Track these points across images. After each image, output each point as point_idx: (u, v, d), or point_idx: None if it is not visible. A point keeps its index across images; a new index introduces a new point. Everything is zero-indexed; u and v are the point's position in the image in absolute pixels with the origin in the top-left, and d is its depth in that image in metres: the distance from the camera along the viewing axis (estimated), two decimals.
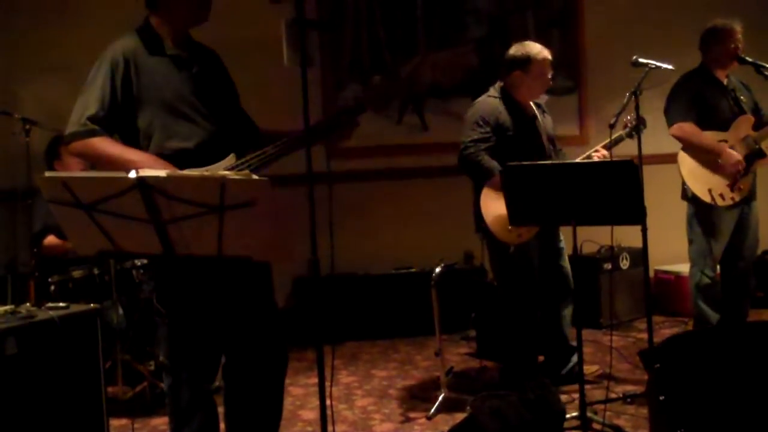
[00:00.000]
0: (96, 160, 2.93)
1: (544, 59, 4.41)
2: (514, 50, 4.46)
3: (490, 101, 4.45)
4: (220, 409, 3.14)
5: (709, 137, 4.70)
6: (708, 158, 4.70)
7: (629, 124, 4.37)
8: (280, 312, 3.23)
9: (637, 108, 4.02)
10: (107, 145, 2.87)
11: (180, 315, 2.96)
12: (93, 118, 2.86)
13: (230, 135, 3.05)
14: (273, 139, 3.01)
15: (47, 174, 2.41)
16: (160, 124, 2.92)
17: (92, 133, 2.85)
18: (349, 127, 3.07)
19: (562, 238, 4.58)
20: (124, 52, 2.92)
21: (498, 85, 4.52)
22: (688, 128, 4.71)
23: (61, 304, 3.73)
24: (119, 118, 2.90)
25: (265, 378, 3.12)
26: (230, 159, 2.95)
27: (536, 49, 4.43)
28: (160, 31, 3.01)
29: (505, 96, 4.46)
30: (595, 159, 4.34)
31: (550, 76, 4.45)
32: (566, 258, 4.57)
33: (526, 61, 4.39)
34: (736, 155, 4.64)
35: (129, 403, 4.46)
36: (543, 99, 4.72)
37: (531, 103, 4.53)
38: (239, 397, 3.13)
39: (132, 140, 2.93)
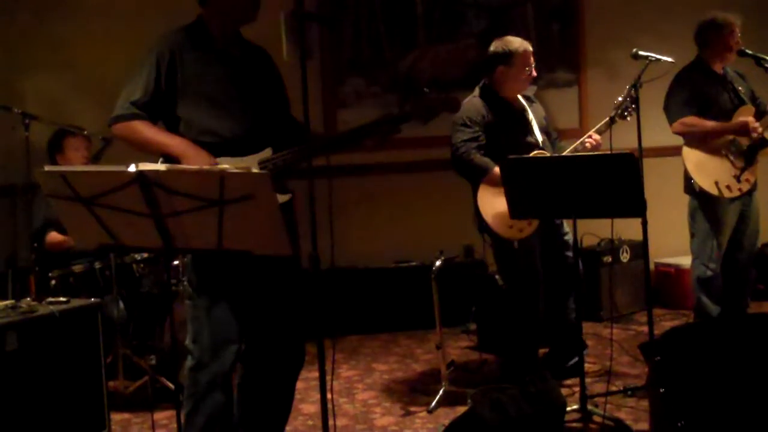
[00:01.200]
0: (135, 142, 3.06)
1: (525, 51, 4.41)
2: (495, 46, 4.46)
3: (474, 101, 4.45)
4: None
5: (712, 122, 4.70)
6: (713, 148, 4.70)
7: (621, 107, 4.31)
8: (303, 306, 3.28)
9: (637, 101, 4.02)
10: (146, 129, 3.03)
11: (213, 298, 3.05)
12: (136, 103, 3.02)
13: (270, 130, 3.17)
14: (315, 140, 3.14)
15: (46, 168, 2.42)
16: (199, 114, 3.05)
17: (134, 117, 3.02)
18: (390, 134, 3.19)
19: (567, 230, 4.56)
20: (170, 45, 3.06)
21: (478, 85, 4.52)
22: (689, 120, 4.71)
23: (61, 299, 3.74)
24: (162, 106, 3.05)
25: (282, 370, 3.22)
26: (266, 152, 3.08)
27: (516, 42, 4.43)
28: (209, 27, 3.13)
29: (490, 94, 4.45)
30: (588, 145, 4.32)
31: (533, 68, 4.45)
32: (572, 250, 4.56)
33: (508, 55, 4.38)
34: (744, 121, 4.64)
35: (130, 397, 4.47)
36: (531, 90, 4.70)
37: (519, 96, 4.52)
38: (255, 386, 3.21)
39: (173, 128, 3.07)
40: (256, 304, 3.13)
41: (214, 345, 3.05)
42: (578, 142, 4.40)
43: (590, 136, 4.35)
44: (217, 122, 3.05)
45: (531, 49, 4.44)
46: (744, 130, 4.64)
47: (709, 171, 4.71)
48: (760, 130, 4.64)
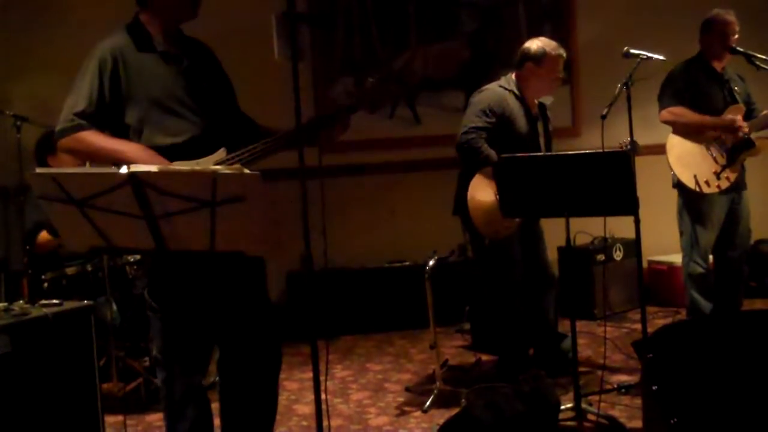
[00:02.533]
0: (86, 154, 2.96)
1: (559, 56, 4.43)
2: (530, 43, 4.48)
3: (500, 92, 4.44)
4: (215, 405, 3.14)
5: (698, 115, 4.73)
6: (699, 140, 4.72)
7: (624, 147, 4.34)
8: (273, 307, 3.24)
9: (628, 99, 4.03)
10: (96, 138, 2.88)
11: (172, 309, 2.95)
12: (81, 113, 2.87)
13: (222, 130, 3.04)
14: (270, 136, 3.02)
15: (38, 170, 2.40)
16: (148, 120, 2.92)
17: (80, 128, 2.87)
18: (340, 127, 3.08)
19: (542, 230, 4.59)
20: (112, 50, 2.93)
21: (512, 76, 4.51)
22: (677, 110, 4.75)
23: (54, 301, 3.72)
24: (108, 115, 2.91)
25: (260, 373, 3.12)
26: (220, 153, 2.95)
27: (552, 45, 4.45)
28: (149, 28, 3.00)
29: (515, 89, 4.46)
30: None
31: (561, 75, 4.47)
32: (545, 247, 4.58)
33: (541, 54, 4.40)
34: (732, 118, 4.66)
35: (124, 399, 4.45)
36: (548, 100, 4.71)
37: (535, 102, 4.53)
38: (234, 393, 3.13)
39: (122, 136, 2.93)
40: (223, 309, 3.03)
41: (183, 356, 2.97)
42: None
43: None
44: (167, 127, 2.93)
45: (564, 56, 4.47)
46: (731, 127, 4.67)
47: (690, 164, 4.73)
48: (746, 129, 4.67)
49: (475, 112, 4.36)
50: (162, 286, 2.98)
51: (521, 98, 4.45)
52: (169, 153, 2.88)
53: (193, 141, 2.95)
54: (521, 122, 4.41)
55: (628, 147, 4.22)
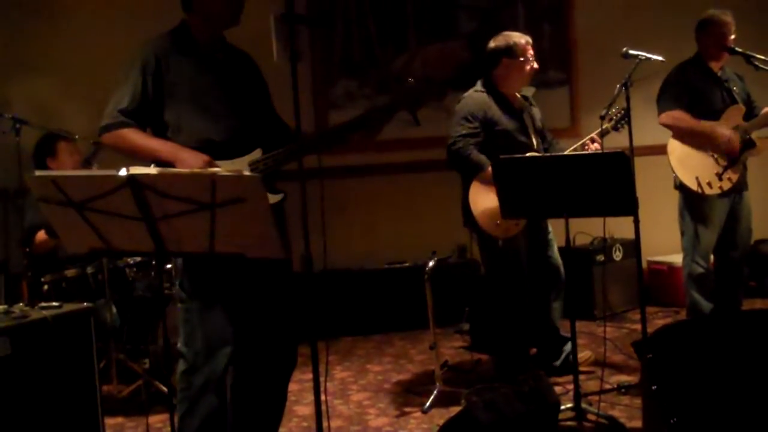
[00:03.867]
0: (124, 150, 3.07)
1: (527, 42, 4.47)
2: (495, 41, 4.50)
3: (477, 96, 4.46)
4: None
5: (699, 121, 4.72)
6: (698, 144, 4.72)
7: (614, 117, 4.37)
8: (295, 308, 3.28)
9: (627, 100, 4.03)
10: (137, 136, 3.03)
11: (204, 301, 3.05)
12: (124, 111, 3.02)
13: (258, 131, 3.18)
14: (303, 138, 3.12)
15: (37, 173, 2.41)
16: (187, 118, 3.06)
17: (123, 125, 3.02)
18: (378, 128, 3.20)
19: (551, 229, 4.59)
20: (156, 51, 3.07)
21: (481, 80, 4.53)
22: (677, 115, 4.74)
23: (54, 304, 3.72)
24: (150, 113, 3.06)
25: (274, 373, 3.22)
26: (256, 153, 3.09)
27: (516, 35, 4.49)
28: (193, 32, 3.15)
29: (492, 90, 4.47)
30: (589, 150, 4.35)
31: (535, 61, 4.47)
32: (556, 249, 4.58)
33: (511, 47, 4.42)
34: (727, 130, 4.66)
35: (124, 401, 4.46)
36: (530, 91, 4.73)
37: (518, 96, 4.54)
38: (246, 388, 3.20)
39: (161, 133, 3.08)
40: (247, 307, 3.13)
41: (207, 348, 3.06)
42: (578, 144, 4.43)
43: (594, 141, 4.37)
44: (205, 126, 3.06)
45: (531, 40, 4.50)
46: (726, 146, 4.65)
47: (692, 166, 4.73)
48: (736, 154, 4.65)
49: (458, 121, 4.38)
50: (196, 279, 3.08)
51: (500, 96, 4.45)
52: (206, 151, 3.00)
53: (230, 140, 3.08)
54: (505, 120, 4.41)
55: (618, 115, 4.23)
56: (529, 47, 4.46)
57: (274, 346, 3.19)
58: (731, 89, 4.83)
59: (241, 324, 3.12)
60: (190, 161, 2.93)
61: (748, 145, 4.71)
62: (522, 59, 4.42)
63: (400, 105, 3.17)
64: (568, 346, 4.48)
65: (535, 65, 4.48)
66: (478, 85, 4.52)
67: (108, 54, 5.24)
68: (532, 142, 4.47)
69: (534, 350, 4.69)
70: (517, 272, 4.41)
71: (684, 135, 4.76)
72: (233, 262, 2.78)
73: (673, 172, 4.78)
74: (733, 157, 4.67)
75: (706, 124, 4.71)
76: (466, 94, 4.51)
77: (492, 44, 4.50)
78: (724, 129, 4.68)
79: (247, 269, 2.95)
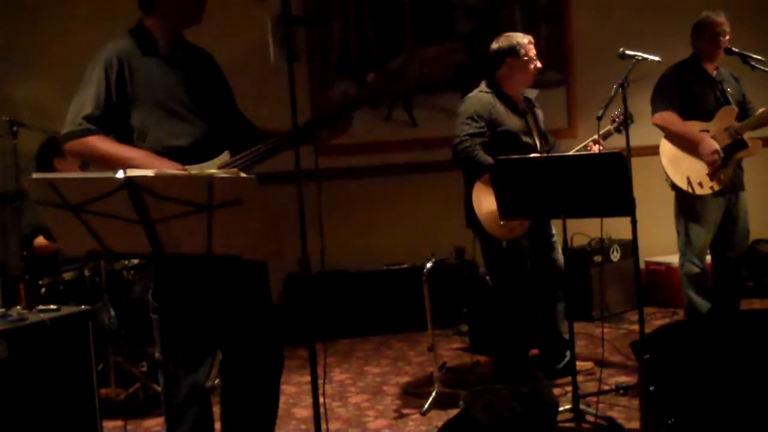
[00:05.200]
0: (93, 159, 2.97)
1: (529, 41, 4.48)
2: (498, 42, 4.50)
3: (482, 96, 4.45)
4: (215, 409, 3.14)
5: (690, 126, 4.74)
6: (688, 147, 4.74)
7: (617, 119, 4.39)
8: (275, 310, 3.24)
9: (624, 100, 4.03)
10: (104, 143, 2.89)
11: (176, 311, 2.95)
12: (88, 117, 2.89)
13: (224, 133, 3.08)
14: (269, 137, 3.03)
15: (34, 175, 2.41)
16: (153, 123, 2.94)
17: (88, 132, 2.88)
18: (343, 125, 3.09)
19: (554, 231, 4.59)
20: (118, 53, 2.95)
21: (485, 81, 4.52)
22: (669, 117, 4.75)
23: (52, 307, 3.72)
24: (114, 118, 2.93)
25: (262, 377, 3.14)
26: (224, 156, 2.98)
27: (518, 35, 4.51)
28: (153, 33, 3.04)
29: (497, 91, 4.47)
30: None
31: (538, 60, 4.49)
32: (559, 251, 4.57)
33: (514, 47, 4.43)
34: (713, 145, 4.67)
35: (122, 404, 4.45)
36: (533, 93, 4.74)
37: (521, 97, 4.54)
38: (236, 396, 3.14)
39: (127, 139, 2.95)
40: (227, 312, 3.05)
41: (187, 358, 2.98)
42: (581, 146, 4.44)
43: (597, 143, 4.37)
44: (172, 130, 2.95)
45: (533, 40, 4.52)
46: (710, 157, 4.65)
47: (683, 166, 4.74)
48: (714, 169, 4.66)
49: (464, 120, 4.38)
50: (166, 288, 2.97)
51: (505, 96, 4.46)
52: (173, 156, 2.90)
53: (197, 144, 2.97)
54: (510, 120, 4.41)
55: (621, 118, 4.24)
56: (532, 46, 4.47)
57: (259, 350, 3.10)
58: (725, 90, 4.84)
59: (222, 330, 3.06)
60: (163, 170, 2.79)
61: (740, 145, 4.72)
62: (525, 58, 4.43)
63: (362, 102, 3.13)
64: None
65: (539, 64, 4.49)
66: (483, 86, 4.51)
67: None
68: (536, 143, 4.48)
69: (535, 351, 4.69)
70: (519, 274, 4.40)
71: (674, 137, 4.78)
72: (205, 267, 2.75)
73: (665, 172, 4.79)
74: (725, 156, 4.67)
75: (695, 133, 4.72)
76: (471, 94, 4.51)
77: (495, 45, 4.50)
78: (712, 144, 4.67)
79: (221, 273, 2.90)
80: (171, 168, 2.82)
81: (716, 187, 4.70)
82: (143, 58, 2.98)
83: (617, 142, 4.25)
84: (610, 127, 4.44)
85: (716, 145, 4.66)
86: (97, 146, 2.89)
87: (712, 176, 4.68)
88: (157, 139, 2.93)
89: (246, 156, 2.97)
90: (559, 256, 4.56)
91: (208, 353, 3.08)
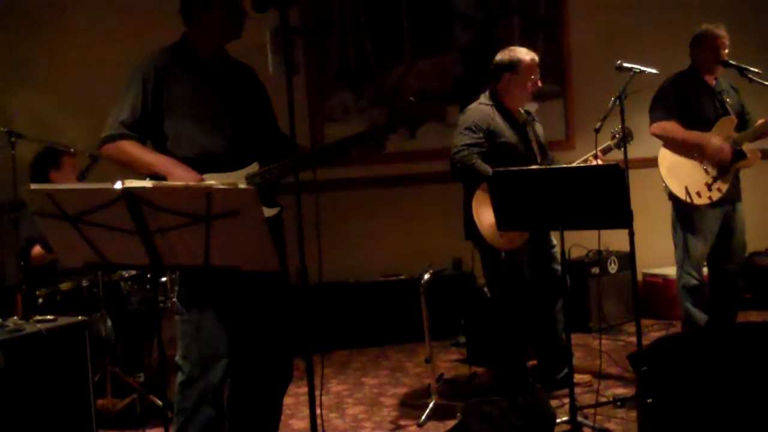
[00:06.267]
0: (123, 162, 3.10)
1: (532, 60, 4.45)
2: (502, 55, 4.49)
3: (482, 108, 4.46)
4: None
5: (691, 131, 4.75)
6: (689, 154, 4.74)
7: (617, 135, 4.39)
8: (291, 323, 3.28)
9: (622, 112, 4.05)
10: (133, 148, 3.07)
11: (201, 313, 3.07)
12: (125, 122, 3.06)
13: (256, 145, 3.20)
14: (302, 152, 3.20)
15: (32, 186, 2.41)
16: (186, 131, 3.09)
17: (122, 137, 3.06)
18: (378, 145, 3.22)
19: (555, 242, 4.58)
20: (156, 64, 3.11)
21: (487, 92, 4.53)
22: (669, 125, 4.76)
23: (48, 317, 3.72)
24: (150, 125, 3.09)
25: (270, 387, 3.24)
26: (253, 167, 3.12)
27: (523, 51, 4.48)
28: (194, 44, 3.17)
29: (497, 103, 4.47)
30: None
31: (538, 79, 4.48)
32: (559, 261, 4.56)
33: (515, 63, 4.42)
34: (718, 141, 4.67)
35: (119, 415, 4.44)
36: (533, 107, 4.74)
37: (521, 111, 4.55)
38: (243, 401, 3.21)
39: (161, 145, 3.11)
40: (244, 320, 3.14)
41: (203, 360, 3.07)
42: (580, 160, 4.44)
43: (597, 157, 4.37)
44: (203, 138, 3.09)
45: (537, 59, 4.49)
46: (717, 154, 4.67)
47: (681, 176, 4.74)
48: (726, 163, 4.67)
49: (462, 131, 4.38)
50: (193, 292, 3.10)
51: (504, 109, 4.46)
52: (203, 164, 3.04)
53: (228, 153, 3.11)
54: (509, 133, 4.41)
55: (621, 134, 4.25)
56: (534, 65, 4.44)
57: (270, 360, 3.20)
58: (724, 101, 4.85)
59: (237, 336, 3.13)
60: (182, 178, 2.95)
61: (738, 156, 4.73)
62: (523, 77, 4.42)
63: (400, 124, 3.20)
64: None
65: (539, 83, 4.49)
66: (484, 98, 4.51)
67: (104, 68, 5.27)
68: (535, 156, 4.47)
69: (533, 362, 4.68)
70: (518, 285, 4.40)
71: (675, 145, 4.79)
72: (229, 274, 2.79)
73: (663, 182, 4.80)
74: (724, 167, 4.68)
75: (697, 134, 4.73)
76: (471, 106, 4.51)
77: (498, 57, 4.50)
78: (717, 139, 4.69)
79: (243, 281, 2.95)
80: (189, 176, 2.96)
81: (714, 197, 4.71)
82: (180, 69, 3.13)
83: (615, 155, 4.26)
84: (610, 142, 4.45)
85: (722, 141, 4.67)
86: (127, 150, 3.06)
87: (711, 186, 4.68)
88: (188, 146, 3.08)
89: (273, 168, 3.10)
90: (559, 266, 4.55)
91: (224, 357, 3.14)
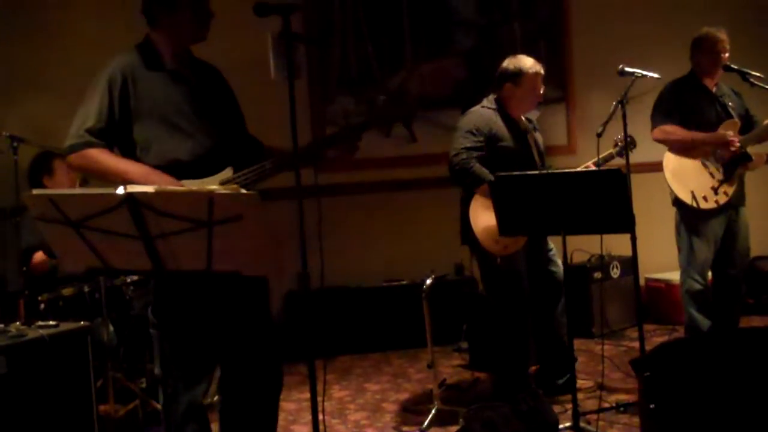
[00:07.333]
0: (92, 172, 2.96)
1: (536, 73, 4.42)
2: (507, 63, 4.47)
3: (484, 112, 4.45)
4: (214, 426, 3.13)
5: (693, 132, 4.74)
6: (693, 157, 4.73)
7: (619, 143, 4.38)
8: (275, 327, 3.23)
9: (624, 117, 4.04)
10: (103, 157, 2.90)
11: (175, 327, 2.96)
12: (90, 130, 2.90)
13: (228, 149, 3.07)
14: (275, 156, 3.05)
15: (35, 191, 2.41)
16: (156, 137, 2.94)
17: (89, 145, 2.89)
18: (351, 146, 3.10)
19: (552, 246, 4.58)
20: (122, 68, 2.97)
21: (492, 96, 4.52)
22: (670, 128, 4.76)
23: (51, 323, 3.72)
24: (117, 131, 2.94)
25: (261, 394, 3.12)
26: (227, 172, 2.98)
27: (529, 63, 4.44)
28: (159, 47, 3.05)
29: (501, 108, 4.46)
30: None
31: (541, 91, 4.47)
32: (560, 264, 4.55)
33: (518, 74, 4.40)
34: (723, 133, 4.67)
35: (121, 420, 4.43)
36: (534, 114, 4.74)
37: (522, 118, 4.54)
38: (235, 413, 3.13)
39: (130, 153, 2.96)
40: (226, 329, 3.03)
41: (185, 375, 2.97)
42: (582, 167, 4.43)
43: (598, 164, 4.37)
44: (173, 145, 2.95)
45: (542, 72, 4.46)
46: (722, 142, 4.67)
47: (687, 180, 4.74)
48: (737, 144, 4.66)
49: (462, 134, 4.37)
50: (165, 304, 2.98)
51: (506, 115, 4.46)
52: (175, 171, 2.90)
53: (200, 160, 2.97)
54: (510, 139, 4.41)
55: (623, 142, 4.24)
56: (537, 78, 4.42)
57: (258, 368, 3.09)
58: (726, 104, 4.85)
59: (222, 348, 3.05)
60: (160, 185, 2.76)
61: (743, 158, 4.71)
62: (524, 89, 4.41)
63: (371, 123, 3.14)
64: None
65: (540, 97, 4.48)
66: (488, 101, 4.50)
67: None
68: (535, 163, 4.46)
69: (535, 367, 4.67)
70: (516, 290, 4.39)
71: (678, 148, 4.78)
72: (205, 284, 2.75)
73: (669, 187, 4.79)
74: (730, 170, 4.68)
75: (702, 134, 4.72)
76: (472, 109, 4.50)
77: (504, 64, 4.48)
78: (724, 133, 4.69)
79: (221, 291, 2.90)
80: (168, 183, 2.82)
81: (721, 201, 4.70)
82: (148, 73, 2.99)
83: (617, 159, 4.26)
84: (612, 150, 4.44)
85: (728, 132, 4.66)
86: (97, 159, 2.89)
87: (717, 189, 4.67)
88: (159, 153, 2.93)
89: (248, 173, 2.98)
90: (558, 268, 4.55)
91: (206, 370, 3.08)
